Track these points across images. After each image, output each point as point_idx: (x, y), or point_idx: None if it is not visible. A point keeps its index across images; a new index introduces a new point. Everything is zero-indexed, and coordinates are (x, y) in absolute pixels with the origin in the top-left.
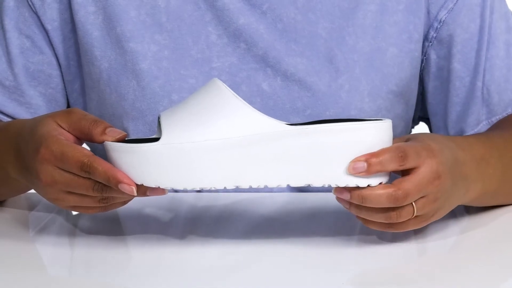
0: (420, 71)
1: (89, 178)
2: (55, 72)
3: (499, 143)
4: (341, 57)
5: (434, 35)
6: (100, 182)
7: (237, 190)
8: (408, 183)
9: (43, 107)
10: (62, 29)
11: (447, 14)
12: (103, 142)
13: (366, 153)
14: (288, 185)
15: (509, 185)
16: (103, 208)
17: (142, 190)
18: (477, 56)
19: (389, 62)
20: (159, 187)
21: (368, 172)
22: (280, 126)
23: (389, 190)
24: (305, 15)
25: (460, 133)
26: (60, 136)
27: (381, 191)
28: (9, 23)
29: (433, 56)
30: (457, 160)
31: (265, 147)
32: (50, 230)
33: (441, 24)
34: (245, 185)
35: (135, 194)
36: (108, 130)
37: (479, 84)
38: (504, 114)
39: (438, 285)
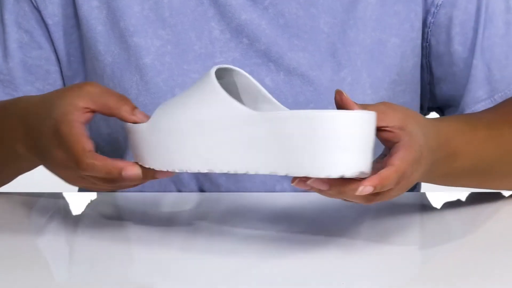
0: (427, 58)
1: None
2: (53, 68)
3: (480, 136)
4: (343, 50)
5: (432, 20)
6: (101, 179)
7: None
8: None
9: None
10: (63, 24)
11: None
12: (130, 121)
13: (336, 144)
14: (256, 172)
15: (477, 175)
16: (118, 188)
17: (150, 173)
18: (474, 36)
19: (391, 53)
20: (149, 168)
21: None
22: (244, 111)
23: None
24: (307, 10)
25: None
26: (74, 122)
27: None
28: (8, 18)
29: (433, 41)
30: (432, 161)
31: (231, 132)
32: (50, 230)
33: (438, 8)
34: (216, 170)
35: (141, 175)
36: (136, 110)
37: (476, 62)
38: (507, 91)
39: (439, 286)
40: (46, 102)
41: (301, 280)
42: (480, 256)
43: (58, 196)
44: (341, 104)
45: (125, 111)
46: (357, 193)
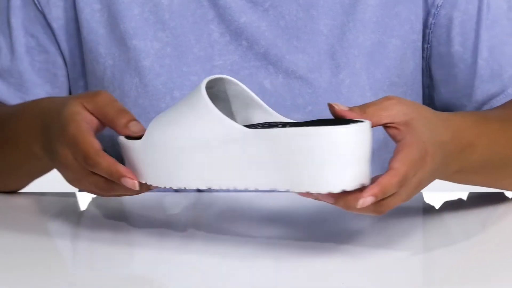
0: (426, 60)
1: (94, 174)
2: (60, 72)
3: (494, 128)
4: (341, 52)
5: (433, 21)
6: (103, 179)
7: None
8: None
9: None
10: (67, 27)
11: None
12: (123, 134)
13: (334, 159)
14: (256, 189)
15: (492, 170)
16: (113, 196)
17: (145, 186)
18: (476, 36)
19: (391, 55)
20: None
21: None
22: (239, 129)
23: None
24: (307, 12)
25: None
26: (82, 122)
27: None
28: (15, 22)
29: (434, 43)
30: (444, 155)
31: (226, 150)
32: (50, 231)
33: (438, 9)
34: (215, 187)
35: (137, 188)
36: (131, 123)
37: (481, 62)
38: None
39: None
40: (57, 105)
41: (299, 279)
42: (480, 257)
43: (58, 196)
44: (336, 116)
45: (119, 123)
46: (358, 206)
